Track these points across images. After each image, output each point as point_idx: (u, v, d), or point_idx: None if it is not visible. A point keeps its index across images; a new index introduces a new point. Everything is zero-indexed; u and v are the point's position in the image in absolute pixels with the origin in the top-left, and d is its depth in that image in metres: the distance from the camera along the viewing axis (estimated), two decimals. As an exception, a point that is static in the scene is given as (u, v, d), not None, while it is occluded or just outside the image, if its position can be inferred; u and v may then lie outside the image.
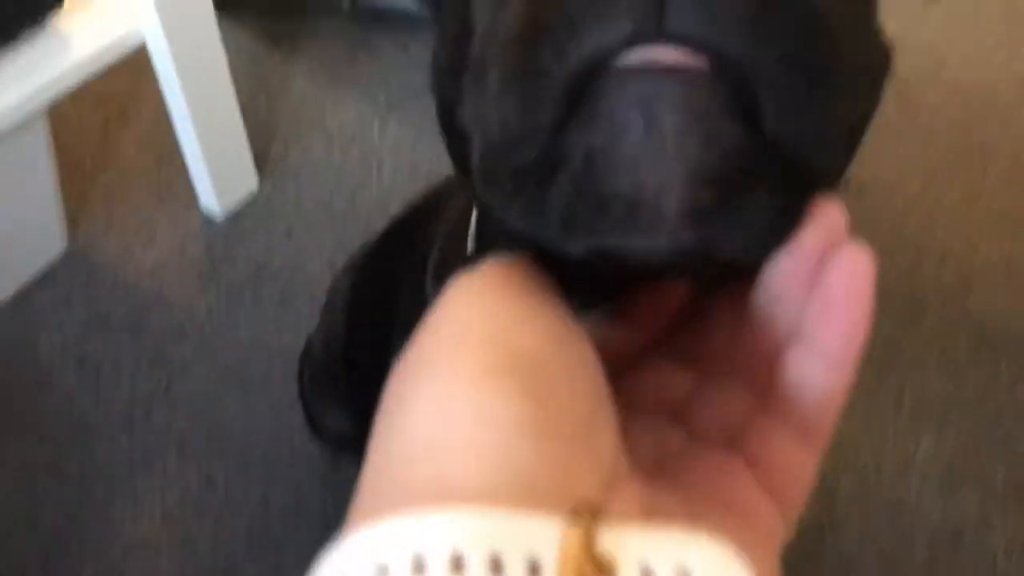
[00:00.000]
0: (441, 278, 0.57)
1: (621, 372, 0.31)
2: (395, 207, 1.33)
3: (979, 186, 1.40)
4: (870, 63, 0.30)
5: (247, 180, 1.30)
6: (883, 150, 1.44)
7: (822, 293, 0.26)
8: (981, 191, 1.39)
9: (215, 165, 1.22)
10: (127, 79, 1.35)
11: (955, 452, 1.09)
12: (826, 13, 0.24)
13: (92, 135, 1.39)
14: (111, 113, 1.42)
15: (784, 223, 0.26)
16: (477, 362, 0.24)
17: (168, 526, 1.00)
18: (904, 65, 1.45)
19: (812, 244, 0.26)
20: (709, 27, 0.23)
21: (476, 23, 0.29)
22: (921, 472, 1.07)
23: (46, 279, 1.20)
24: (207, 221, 1.28)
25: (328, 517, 1.01)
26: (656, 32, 0.23)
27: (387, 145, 1.40)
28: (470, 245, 0.53)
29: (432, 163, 1.36)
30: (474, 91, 0.28)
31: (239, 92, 1.46)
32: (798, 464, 0.28)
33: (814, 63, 0.24)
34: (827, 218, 0.26)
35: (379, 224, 1.30)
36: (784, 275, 0.27)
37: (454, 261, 0.56)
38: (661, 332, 0.33)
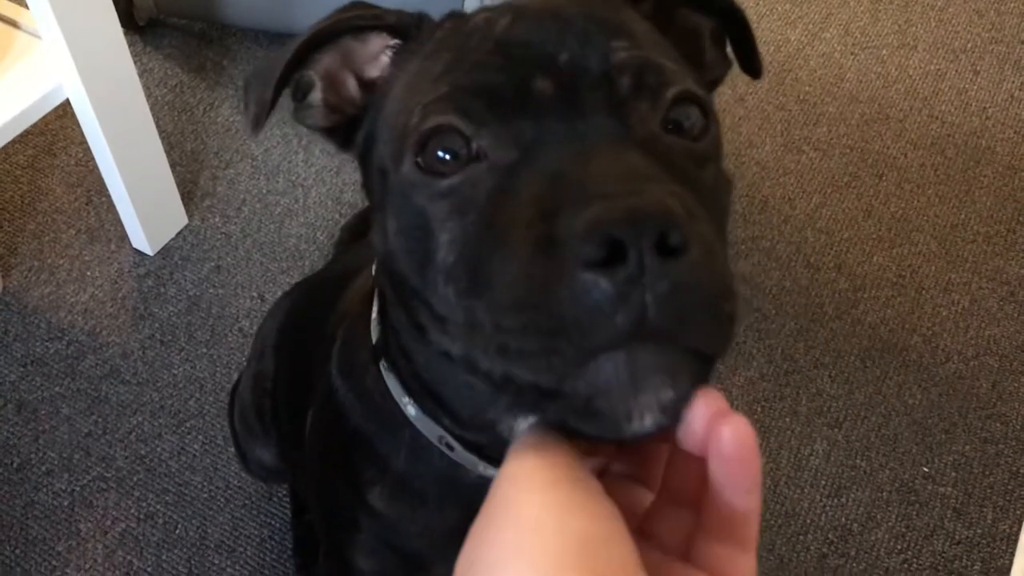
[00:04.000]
0: (345, 373, 0.64)
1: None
2: (322, 236, 1.39)
3: (874, 195, 1.49)
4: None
5: (176, 217, 1.34)
6: (785, 163, 1.52)
7: (720, 455, 0.37)
8: (875, 200, 1.49)
9: (143, 206, 1.26)
10: (51, 114, 1.38)
11: (846, 454, 1.19)
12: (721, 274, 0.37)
13: (20, 174, 1.42)
14: (38, 150, 1.45)
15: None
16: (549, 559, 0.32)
17: (110, 563, 1.05)
18: (806, 74, 1.54)
19: (705, 412, 0.37)
20: (671, 327, 0.35)
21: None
22: (812, 475, 1.17)
23: (-19, 323, 1.24)
24: (138, 258, 1.32)
25: (264, 549, 1.07)
26: (639, 335, 0.35)
27: (312, 173, 1.45)
28: (374, 336, 0.60)
29: (354, 191, 1.42)
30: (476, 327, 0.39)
31: (164, 123, 1.50)
32: (745, 566, 0.37)
33: (726, 311, 0.37)
34: (711, 395, 0.38)
35: (307, 253, 1.36)
36: (693, 433, 0.38)
37: (357, 354, 0.63)
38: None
